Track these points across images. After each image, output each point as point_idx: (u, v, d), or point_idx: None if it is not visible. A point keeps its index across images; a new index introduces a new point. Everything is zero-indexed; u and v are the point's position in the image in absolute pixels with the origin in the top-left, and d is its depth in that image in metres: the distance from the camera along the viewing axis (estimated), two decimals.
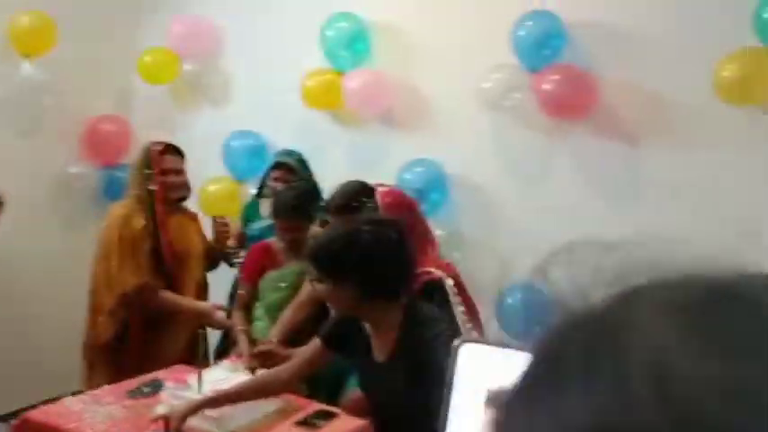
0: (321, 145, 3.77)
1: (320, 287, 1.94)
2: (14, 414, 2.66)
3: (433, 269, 2.36)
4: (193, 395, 2.25)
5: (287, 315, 2.83)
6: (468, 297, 2.41)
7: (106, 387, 2.50)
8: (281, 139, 3.84)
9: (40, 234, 3.91)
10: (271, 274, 2.98)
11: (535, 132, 3.23)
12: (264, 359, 2.68)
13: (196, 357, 2.35)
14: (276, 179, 3.28)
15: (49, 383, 3.32)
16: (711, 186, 2.89)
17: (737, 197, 2.84)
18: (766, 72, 2.67)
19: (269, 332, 2.86)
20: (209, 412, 2.18)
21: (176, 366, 2.77)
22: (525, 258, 3.25)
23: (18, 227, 3.52)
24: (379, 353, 1.96)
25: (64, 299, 3.80)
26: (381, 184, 2.92)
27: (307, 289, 2.85)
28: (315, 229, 2.69)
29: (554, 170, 3.21)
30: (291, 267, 2.96)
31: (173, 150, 2.96)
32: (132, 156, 4.17)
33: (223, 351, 3.04)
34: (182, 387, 2.29)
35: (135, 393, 2.45)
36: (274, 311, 2.93)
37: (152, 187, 2.87)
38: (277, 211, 2.90)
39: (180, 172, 2.96)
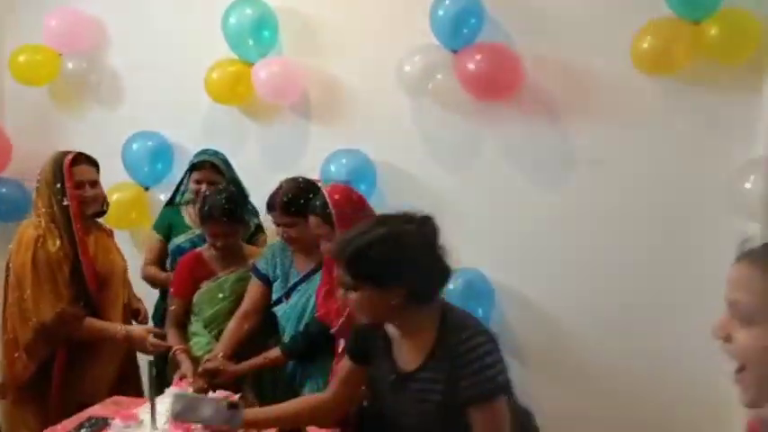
0: (232, 142, 3.53)
1: (352, 296, 1.70)
2: None
3: None
4: None
5: (231, 327, 2.65)
6: None
7: None
8: (187, 139, 3.57)
9: None
10: (206, 287, 2.76)
11: (460, 114, 3.18)
12: (212, 377, 2.50)
13: (148, 388, 2.12)
14: (198, 181, 3.03)
15: None
16: (636, 158, 2.97)
17: (660, 168, 2.93)
18: (681, 42, 2.76)
19: (211, 348, 2.67)
20: None
21: (113, 399, 2.51)
22: (459, 243, 3.21)
23: None
24: (409, 360, 1.77)
25: None
26: (317, 181, 2.79)
27: (250, 296, 2.68)
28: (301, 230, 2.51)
29: (481, 152, 3.18)
30: (227, 276, 2.77)
31: (85, 160, 2.65)
32: (14, 168, 3.79)
33: (162, 378, 2.80)
34: (132, 424, 2.06)
35: None
36: (215, 325, 2.73)
37: (66, 203, 2.56)
38: (208, 216, 2.68)
39: (95, 183, 2.66)
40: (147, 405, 2.20)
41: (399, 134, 3.28)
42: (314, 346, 2.52)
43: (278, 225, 2.56)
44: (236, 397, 2.27)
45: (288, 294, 2.61)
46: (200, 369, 2.52)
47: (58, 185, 2.54)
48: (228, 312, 2.71)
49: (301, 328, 2.56)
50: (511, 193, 3.15)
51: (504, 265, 3.16)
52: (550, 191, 3.12)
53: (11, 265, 2.55)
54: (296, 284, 2.61)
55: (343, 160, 3.22)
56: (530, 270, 3.14)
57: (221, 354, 2.56)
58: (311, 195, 2.48)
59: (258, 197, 2.94)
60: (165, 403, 2.20)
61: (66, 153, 2.63)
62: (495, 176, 3.16)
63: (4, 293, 2.59)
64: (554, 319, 3.16)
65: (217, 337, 2.71)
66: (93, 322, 2.59)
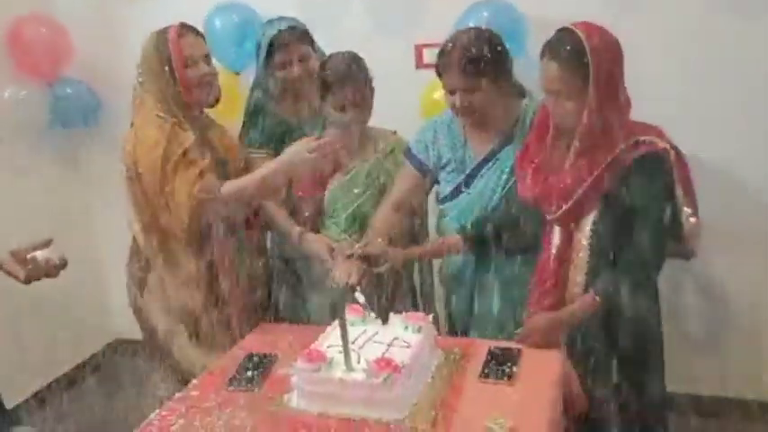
0: (332, 4, 2.94)
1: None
2: None
3: (656, 138, 1.71)
4: (345, 375, 1.57)
5: (381, 214, 2.18)
6: (688, 174, 1.79)
7: (195, 383, 1.77)
8: (278, 7, 2.91)
9: None
10: (337, 182, 2.28)
11: None
12: (374, 263, 2.05)
13: (339, 317, 1.64)
14: (286, 63, 2.32)
15: None
16: None
17: None
18: None
19: None
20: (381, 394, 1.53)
21: (262, 327, 2.06)
22: (645, 110, 2.62)
23: None
24: None
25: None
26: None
27: (403, 186, 2.19)
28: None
29: None
30: (359, 167, 2.27)
31: (190, 30, 2.08)
32: (76, 67, 3.21)
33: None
34: (321, 365, 1.59)
35: (240, 383, 1.74)
36: (355, 227, 2.27)
37: (180, 89, 2.01)
38: (335, 79, 2.15)
39: (208, 59, 2.11)
40: (326, 337, 1.74)
41: None
42: (503, 237, 2.01)
43: (452, 92, 1.99)
44: (430, 318, 1.81)
45: (467, 183, 2.09)
46: (358, 250, 2.05)
47: (167, 68, 1.99)
48: (369, 208, 2.25)
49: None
50: (712, 37, 2.47)
51: (706, 138, 2.49)
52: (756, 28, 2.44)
53: (139, 168, 1.97)
54: (477, 169, 2.08)
55: (484, 13, 2.59)
56: (744, 145, 2.51)
57: (380, 240, 2.10)
58: (499, 48, 1.93)
59: None
60: (334, 335, 1.73)
61: (166, 28, 2.06)
62: (687, 16, 2.48)
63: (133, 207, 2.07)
64: None
65: (358, 241, 2.22)
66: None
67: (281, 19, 2.44)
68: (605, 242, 1.75)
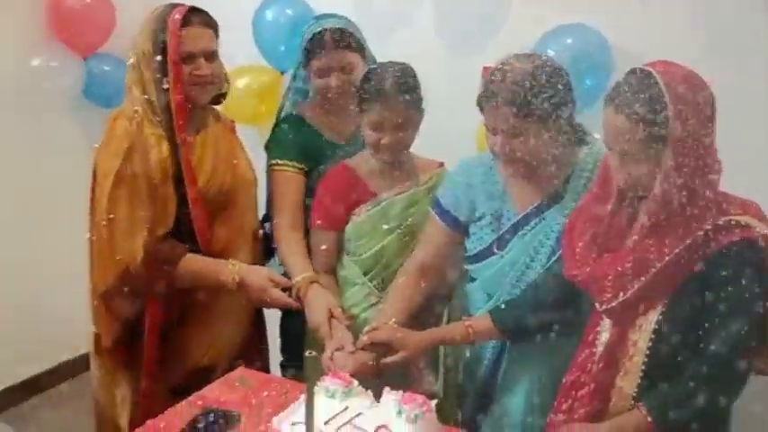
0: (396, 11, 2.64)
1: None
2: None
3: (753, 220, 1.29)
4: None
5: (402, 284, 1.81)
6: None
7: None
8: (334, 5, 2.63)
9: None
10: (364, 214, 1.91)
11: None
12: (383, 352, 1.69)
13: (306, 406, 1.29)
14: (324, 69, 1.97)
15: None
16: None
17: None
18: None
19: (373, 303, 1.88)
20: None
21: (240, 373, 1.72)
22: (734, 169, 2.17)
23: None
24: None
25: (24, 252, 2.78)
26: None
27: (431, 244, 1.81)
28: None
29: None
30: (393, 198, 1.90)
31: (199, 20, 1.78)
32: (118, 41, 3.00)
33: (297, 344, 2.00)
34: None
35: None
36: (379, 270, 1.91)
37: (166, 86, 1.72)
38: (378, 94, 1.79)
39: (212, 55, 1.81)
40: (299, 407, 1.40)
41: (654, 7, 2.23)
42: (545, 323, 1.61)
43: (494, 132, 1.60)
44: (433, 405, 1.42)
45: (501, 244, 1.69)
46: (363, 337, 1.71)
47: (159, 58, 1.71)
48: (397, 251, 1.89)
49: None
50: None
51: None
52: None
53: (96, 170, 1.77)
54: (516, 227, 1.68)
55: (568, 40, 2.25)
56: None
57: (393, 320, 1.73)
58: (560, 86, 1.55)
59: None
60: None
61: (172, 8, 1.77)
62: None
63: (90, 210, 1.82)
64: None
65: (380, 288, 1.90)
66: (194, 262, 1.78)
67: (328, 17, 2.09)
68: (670, 348, 1.33)
